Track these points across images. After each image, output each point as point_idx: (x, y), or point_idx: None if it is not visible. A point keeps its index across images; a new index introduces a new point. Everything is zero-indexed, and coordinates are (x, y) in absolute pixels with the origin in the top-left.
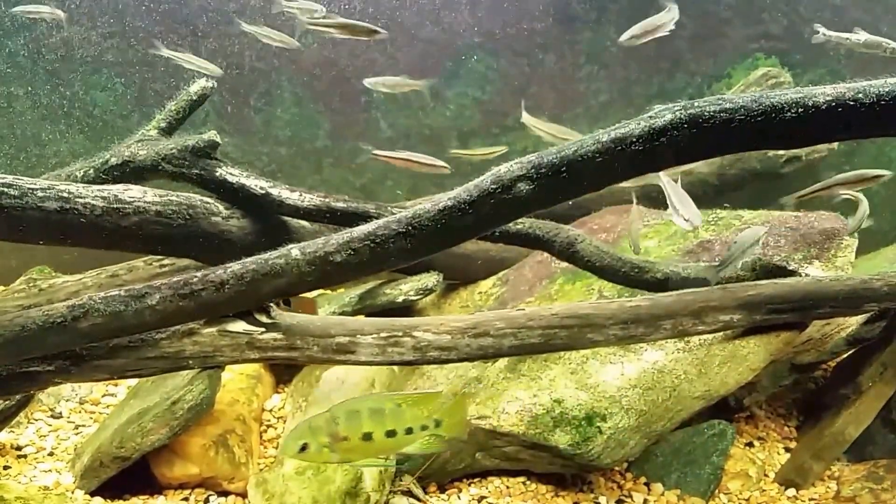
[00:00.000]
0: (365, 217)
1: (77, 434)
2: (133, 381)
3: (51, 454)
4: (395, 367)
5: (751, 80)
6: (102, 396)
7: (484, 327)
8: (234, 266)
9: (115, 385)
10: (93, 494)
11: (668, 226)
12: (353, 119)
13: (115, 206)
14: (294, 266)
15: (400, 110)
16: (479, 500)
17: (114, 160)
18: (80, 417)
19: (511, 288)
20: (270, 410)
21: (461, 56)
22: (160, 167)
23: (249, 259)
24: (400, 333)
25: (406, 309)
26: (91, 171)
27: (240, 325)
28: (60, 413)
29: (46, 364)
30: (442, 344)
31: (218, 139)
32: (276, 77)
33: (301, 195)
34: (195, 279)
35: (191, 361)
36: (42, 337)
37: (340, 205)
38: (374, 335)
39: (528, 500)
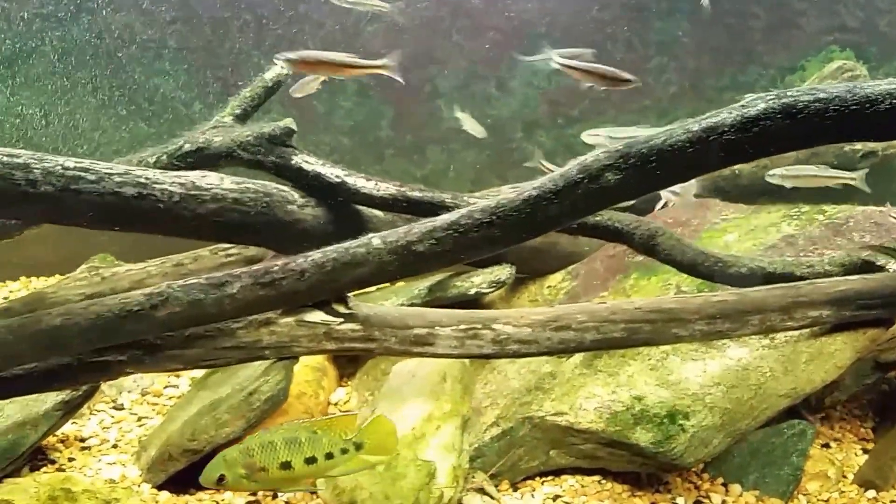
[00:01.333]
0: (440, 207)
1: (140, 426)
2: (198, 373)
3: (115, 446)
4: (467, 361)
5: (825, 73)
6: (164, 388)
7: (565, 320)
8: (315, 255)
9: (178, 377)
10: (159, 488)
11: (748, 219)
12: (416, 109)
13: (193, 192)
14: (375, 255)
15: (464, 100)
16: (554, 499)
17: (188, 146)
18: (142, 409)
19: (582, 282)
20: (335, 404)
21: (528, 46)
22: (235, 154)
23: (330, 248)
24: (479, 326)
25: (473, 302)
26: (164, 156)
27: (318, 315)
28: (122, 405)
29: (119, 353)
30: (522, 337)
31: (294, 126)
32: None
33: (376, 184)
34: (275, 268)
35: (267, 352)
36: (118, 325)
37: (416, 194)
38: (453, 327)
39: (604, 500)
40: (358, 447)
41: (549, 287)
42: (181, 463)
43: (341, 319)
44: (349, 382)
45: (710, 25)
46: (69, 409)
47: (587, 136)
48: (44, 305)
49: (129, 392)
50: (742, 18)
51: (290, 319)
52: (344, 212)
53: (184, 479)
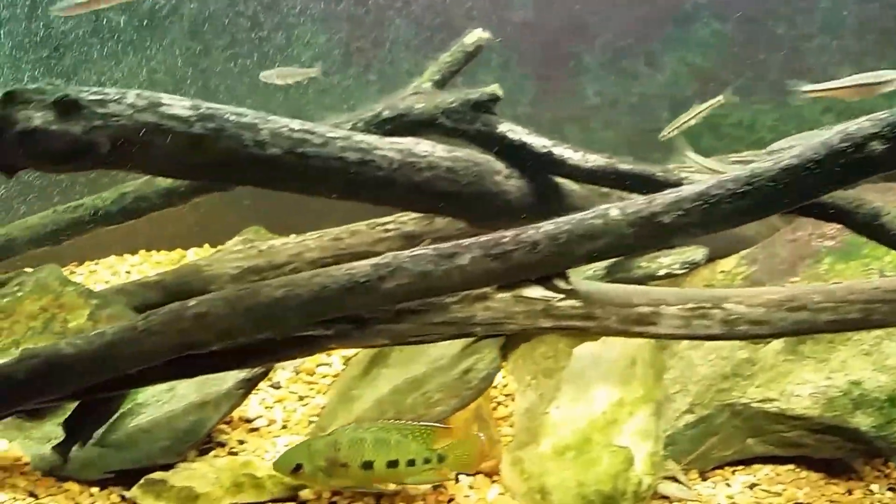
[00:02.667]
0: (651, 181)
1: (304, 405)
2: (349, 351)
3: (284, 427)
4: (654, 343)
5: None
6: (317, 366)
7: (801, 300)
8: (547, 226)
9: (328, 355)
10: None
11: None
12: (559, 85)
13: (409, 160)
14: (614, 227)
15: (609, 76)
16: (751, 487)
17: (387, 113)
18: (300, 388)
19: (762, 267)
20: (496, 386)
21: (686, 19)
22: (438, 121)
23: (562, 219)
24: (708, 305)
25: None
26: (360, 123)
27: (537, 291)
28: (279, 383)
29: (325, 328)
30: (755, 317)
31: (500, 92)
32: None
33: (584, 155)
34: (506, 239)
35: (478, 328)
36: (342, 297)
37: (626, 167)
38: (680, 306)
39: (802, 487)
40: (440, 460)
41: (722, 272)
42: None
43: (562, 296)
44: (504, 365)
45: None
46: (249, 388)
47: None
48: (198, 278)
49: (283, 370)
50: None
51: (506, 295)
52: (543, 184)
53: None
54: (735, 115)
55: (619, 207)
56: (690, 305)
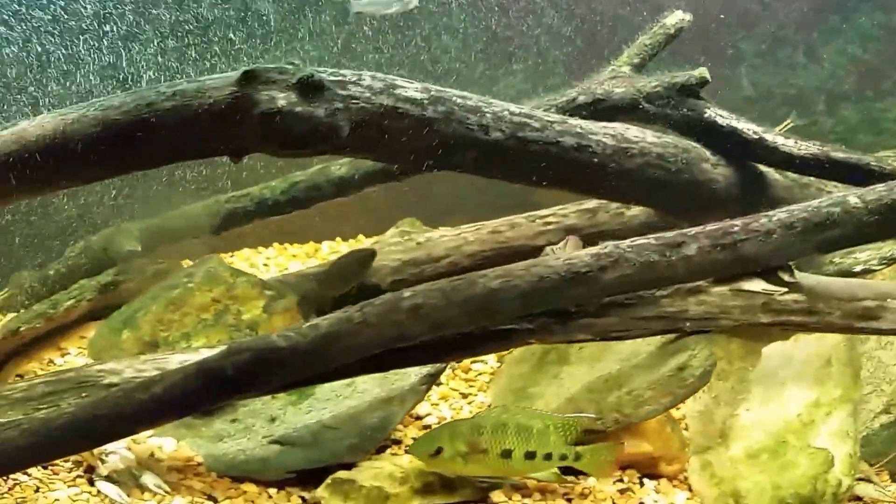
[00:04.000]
0: (864, 170)
1: (468, 403)
2: None
3: None
4: (849, 342)
5: None
6: (472, 363)
7: None
8: (779, 214)
9: None
10: None
11: None
12: (714, 74)
13: (623, 145)
14: (854, 215)
15: (766, 67)
16: None
17: (582, 98)
18: (460, 385)
19: None
20: None
21: (849, 8)
22: (640, 106)
23: (795, 207)
24: None
25: None
26: (552, 109)
27: (758, 284)
28: (440, 381)
29: (527, 322)
30: None
31: (708, 76)
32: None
33: (796, 143)
34: (736, 228)
35: (688, 323)
36: (560, 288)
37: (839, 155)
38: None
39: None
40: (577, 458)
41: None
42: None
43: (785, 289)
44: None
45: None
46: (431, 384)
47: None
48: None
49: None
50: None
51: (723, 288)
52: (747, 173)
53: None
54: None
55: (856, 195)
56: None
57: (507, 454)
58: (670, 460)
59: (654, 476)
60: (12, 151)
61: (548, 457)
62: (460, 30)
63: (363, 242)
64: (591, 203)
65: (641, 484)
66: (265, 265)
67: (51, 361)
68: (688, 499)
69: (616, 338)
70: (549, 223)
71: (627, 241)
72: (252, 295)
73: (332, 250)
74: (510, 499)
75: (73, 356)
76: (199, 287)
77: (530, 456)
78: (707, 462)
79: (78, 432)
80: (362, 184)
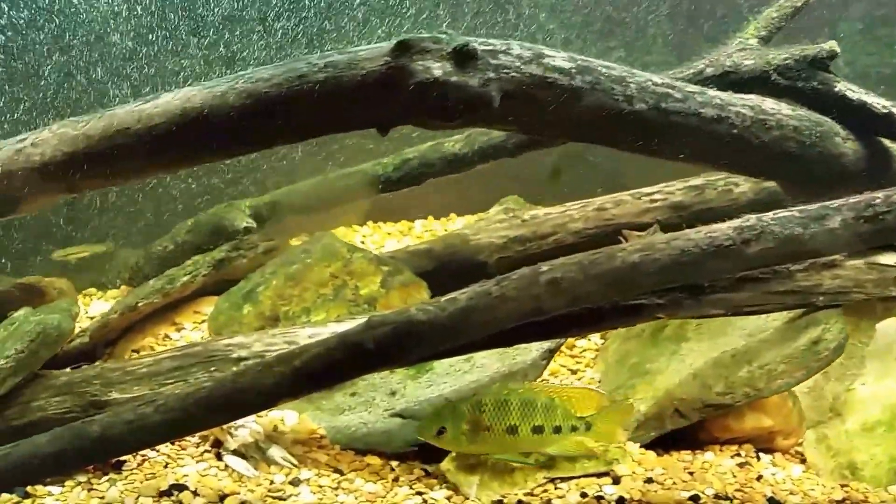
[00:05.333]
0: None
1: (578, 379)
2: None
3: None
4: None
5: None
6: (576, 340)
7: None
8: None
9: None
10: (647, 447)
11: None
12: None
13: (760, 117)
14: None
15: (864, 45)
16: None
17: (710, 70)
18: (566, 361)
19: None
20: None
21: None
22: (770, 79)
23: None
24: None
25: None
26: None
27: (892, 258)
28: None
29: (658, 297)
30: None
31: (837, 48)
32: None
33: None
34: (878, 200)
35: (821, 298)
36: (702, 262)
37: None
38: None
39: None
40: (588, 428)
41: None
42: (687, 420)
43: None
44: None
45: None
46: (550, 358)
47: None
48: (466, 247)
49: None
50: None
51: (857, 262)
52: (874, 148)
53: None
54: None
55: None
56: None
57: (512, 430)
58: (787, 434)
59: (769, 450)
60: (156, 125)
61: (557, 430)
62: (559, 7)
63: (455, 221)
64: (698, 180)
65: (758, 458)
66: (361, 243)
67: (167, 336)
68: (803, 471)
69: (748, 313)
70: (655, 200)
71: (770, 214)
72: (369, 270)
73: (426, 228)
74: (633, 473)
75: (188, 331)
76: (316, 262)
77: (538, 430)
78: (823, 435)
79: (216, 407)
80: (477, 160)
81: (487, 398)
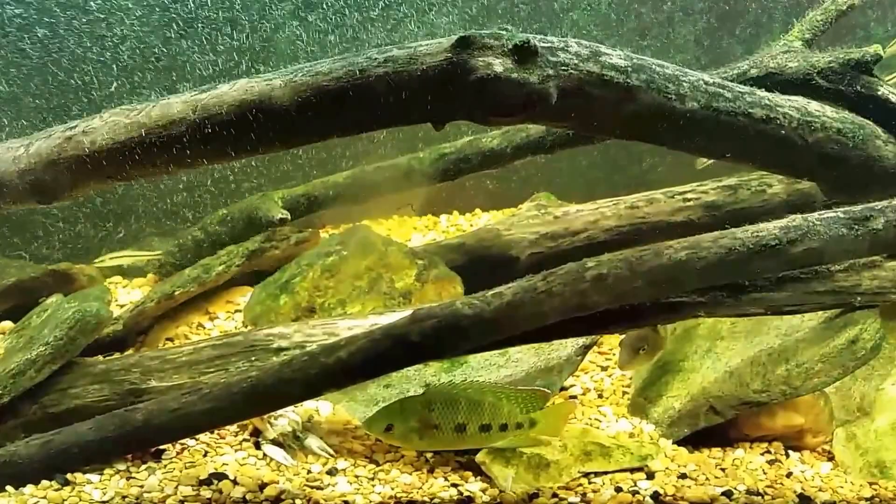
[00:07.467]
0: None
1: (608, 376)
2: None
3: (600, 396)
4: None
5: None
6: (604, 337)
7: None
8: None
9: None
10: (679, 443)
11: None
12: None
13: (807, 118)
14: None
15: None
16: None
17: (754, 71)
18: (596, 358)
19: None
20: None
21: None
22: (813, 82)
23: None
24: None
25: None
26: None
27: None
28: None
29: (698, 294)
30: None
31: (882, 52)
32: (768, 3)
33: None
34: None
35: (860, 298)
36: (747, 261)
37: None
38: None
39: None
40: (532, 425)
41: None
42: (724, 416)
43: None
44: None
45: None
46: (585, 354)
47: None
48: (498, 242)
49: None
50: None
51: None
52: None
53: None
54: None
55: None
56: None
57: (461, 428)
58: (816, 433)
59: (798, 448)
60: (213, 115)
61: (503, 427)
62: (590, 5)
63: (480, 217)
64: (732, 180)
65: (787, 455)
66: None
67: (200, 325)
68: (832, 469)
69: (787, 312)
70: (688, 199)
71: (815, 215)
72: (404, 264)
73: (451, 223)
74: (667, 469)
75: (221, 320)
76: (352, 255)
77: (485, 429)
78: (852, 434)
79: (261, 396)
80: (515, 156)
81: (436, 396)
